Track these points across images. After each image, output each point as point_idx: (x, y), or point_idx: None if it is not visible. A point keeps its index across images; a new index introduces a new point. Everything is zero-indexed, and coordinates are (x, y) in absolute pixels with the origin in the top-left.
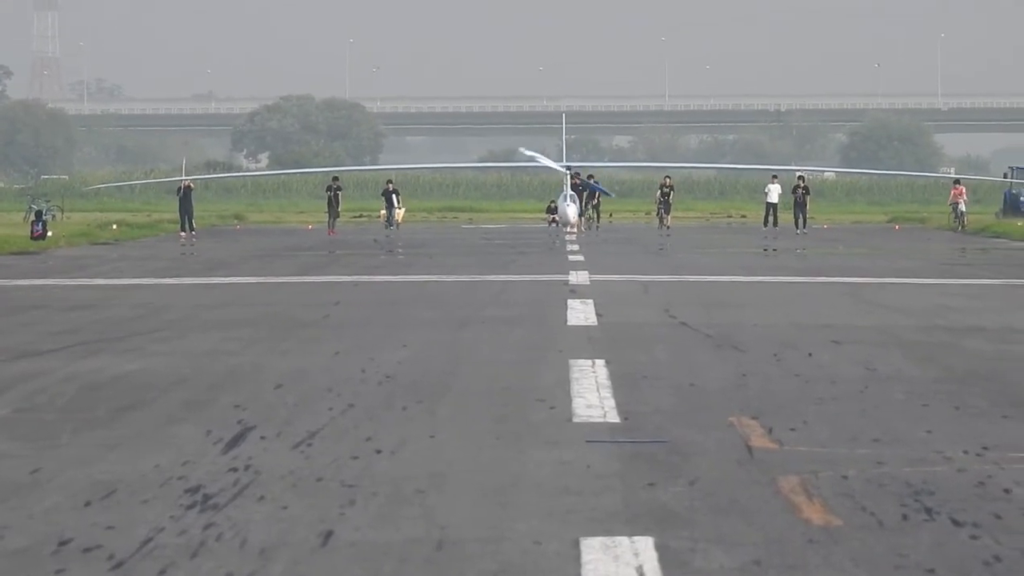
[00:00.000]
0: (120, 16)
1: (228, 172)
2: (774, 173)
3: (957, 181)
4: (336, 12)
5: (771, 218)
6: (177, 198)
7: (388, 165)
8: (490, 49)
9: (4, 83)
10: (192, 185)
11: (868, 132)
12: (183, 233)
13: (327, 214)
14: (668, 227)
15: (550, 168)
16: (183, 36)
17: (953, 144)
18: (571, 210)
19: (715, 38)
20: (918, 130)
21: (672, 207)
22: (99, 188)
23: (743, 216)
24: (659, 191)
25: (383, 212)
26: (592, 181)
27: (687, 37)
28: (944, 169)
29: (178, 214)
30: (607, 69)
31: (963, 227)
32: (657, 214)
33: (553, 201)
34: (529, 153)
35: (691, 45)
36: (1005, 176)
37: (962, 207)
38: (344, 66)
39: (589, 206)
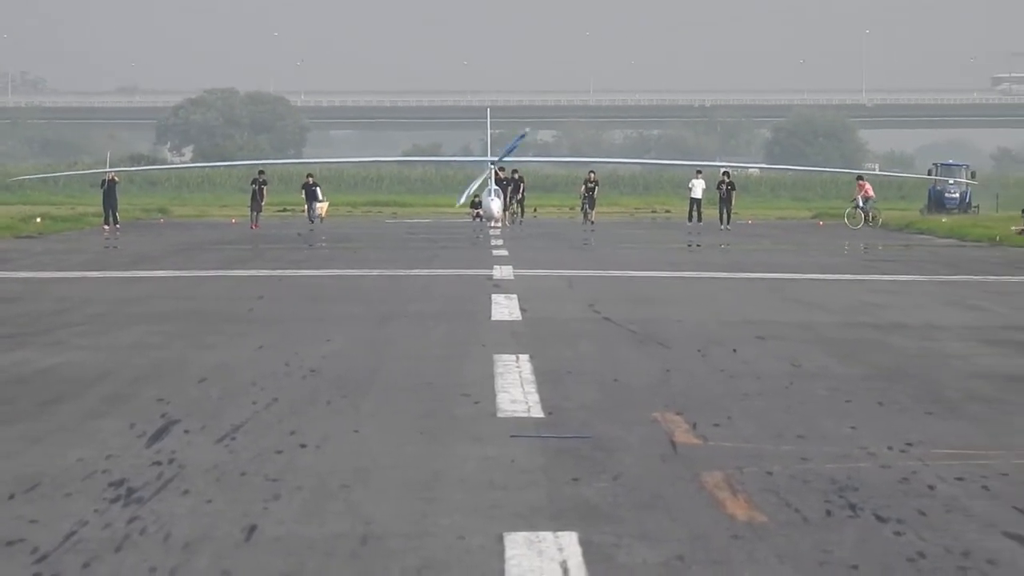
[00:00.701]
0: (44, 9)
1: (152, 165)
2: (698, 168)
3: (860, 177)
4: (261, 5)
5: (695, 213)
6: (101, 191)
7: (312, 159)
8: (415, 44)
9: None
10: (117, 178)
11: (793, 128)
12: (107, 227)
13: (250, 208)
14: (592, 222)
15: (475, 161)
16: (107, 29)
17: (878, 140)
18: (495, 204)
19: (639, 33)
20: (843, 126)
21: (596, 202)
22: (23, 181)
23: (667, 211)
24: (583, 186)
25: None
26: (515, 175)
27: (611, 32)
28: (868, 165)
29: (102, 207)
30: (531, 64)
31: (869, 222)
32: (582, 209)
33: (477, 195)
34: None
35: (615, 40)
36: (930, 173)
37: (859, 202)
38: (268, 60)
39: (513, 201)
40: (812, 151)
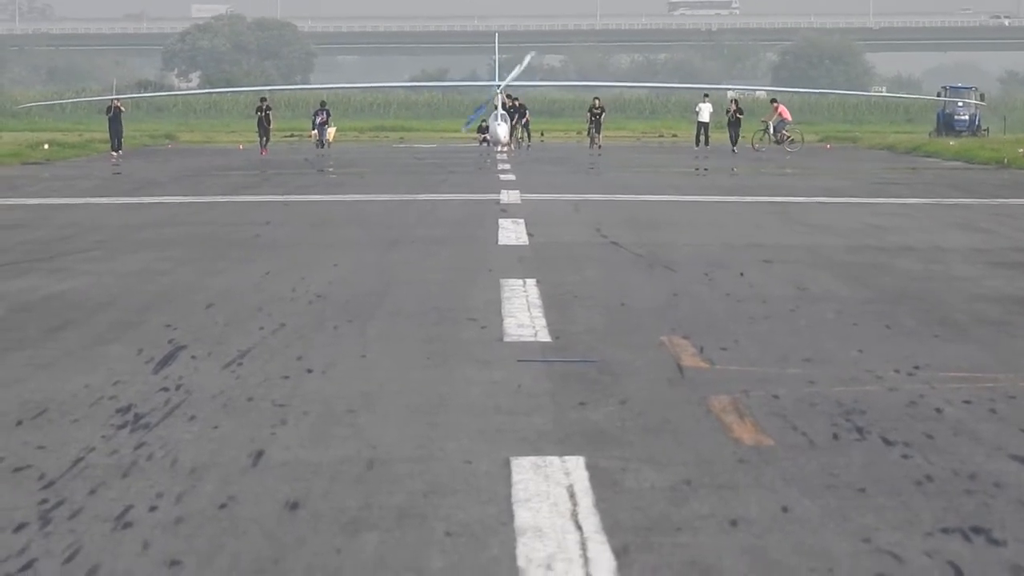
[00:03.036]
0: None
1: (159, 92)
2: (705, 92)
3: (774, 100)
4: None
5: (702, 137)
6: (107, 118)
7: (319, 84)
8: None
9: None
10: (123, 107)
11: (799, 51)
12: (115, 153)
13: (258, 134)
14: (600, 146)
15: (482, 86)
16: None
17: (884, 63)
18: (502, 129)
19: None
20: (849, 49)
21: (603, 127)
22: (30, 108)
23: (674, 135)
24: (589, 113)
25: (313, 132)
26: (517, 103)
27: None
28: (876, 88)
29: (108, 134)
30: None
31: (784, 143)
32: (588, 134)
33: (484, 120)
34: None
35: None
36: (939, 95)
37: (770, 128)
38: None
39: (519, 126)
40: (818, 75)
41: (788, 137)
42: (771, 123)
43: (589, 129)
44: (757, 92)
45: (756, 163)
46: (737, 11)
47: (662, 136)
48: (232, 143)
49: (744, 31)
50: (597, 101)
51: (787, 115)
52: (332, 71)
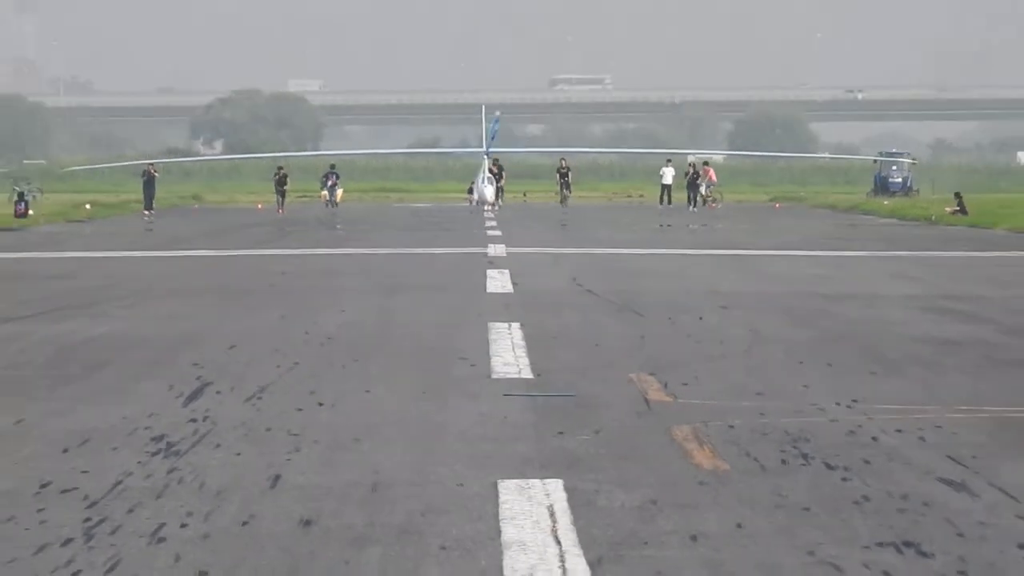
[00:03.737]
0: (93, 17)
1: (187, 157)
2: (668, 157)
3: (706, 163)
4: (288, 9)
5: (666, 197)
6: (142, 181)
7: (328, 151)
8: (419, 47)
9: None
10: (156, 172)
11: (752, 120)
12: (147, 212)
13: (276, 195)
14: (570, 195)
15: (471, 152)
16: (147, 36)
17: (827, 132)
18: (488, 190)
19: (616, 34)
20: (796, 119)
21: (572, 185)
22: (74, 171)
23: (641, 195)
24: (558, 174)
25: (324, 193)
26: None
27: (591, 35)
28: (820, 154)
29: (143, 195)
30: (520, 64)
31: (709, 202)
32: (560, 196)
33: (473, 182)
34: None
35: (594, 41)
36: (875, 160)
37: (703, 189)
38: (289, 62)
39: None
40: (768, 142)
41: (711, 196)
42: (703, 185)
43: (560, 189)
44: (714, 156)
45: (712, 220)
46: (610, 86)
47: (630, 196)
48: (251, 203)
49: (703, 103)
50: (563, 162)
51: (713, 177)
52: (340, 139)
